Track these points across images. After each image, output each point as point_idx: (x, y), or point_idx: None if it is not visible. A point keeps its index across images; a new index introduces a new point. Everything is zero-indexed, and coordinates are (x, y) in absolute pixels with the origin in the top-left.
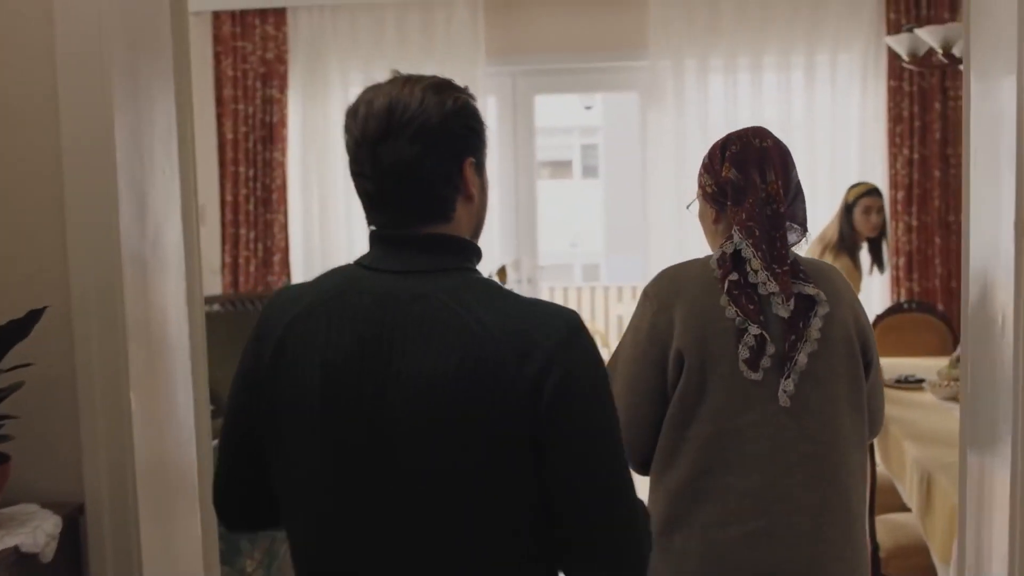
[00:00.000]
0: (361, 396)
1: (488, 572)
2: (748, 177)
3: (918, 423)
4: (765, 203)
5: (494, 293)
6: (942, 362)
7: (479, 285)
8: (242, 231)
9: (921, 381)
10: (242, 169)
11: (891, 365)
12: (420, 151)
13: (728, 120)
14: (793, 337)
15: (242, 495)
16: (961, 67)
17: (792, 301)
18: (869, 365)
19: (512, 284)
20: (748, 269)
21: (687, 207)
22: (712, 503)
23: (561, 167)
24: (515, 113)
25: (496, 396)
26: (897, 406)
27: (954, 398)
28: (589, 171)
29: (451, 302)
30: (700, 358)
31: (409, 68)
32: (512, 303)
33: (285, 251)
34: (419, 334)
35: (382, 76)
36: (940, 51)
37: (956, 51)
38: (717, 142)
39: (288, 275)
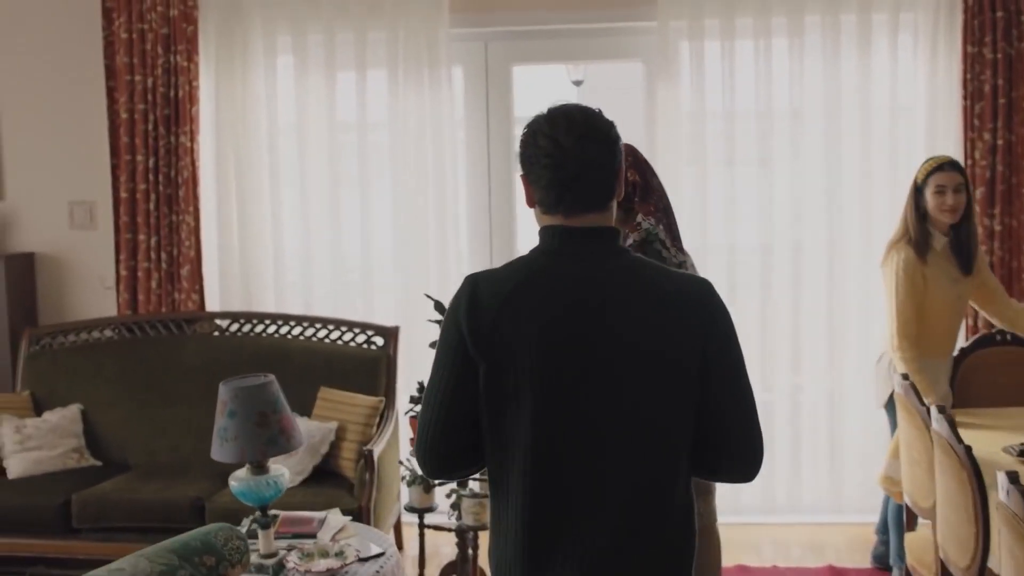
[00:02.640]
0: (574, 352)
1: (670, 491)
2: (647, 180)
3: None
4: (661, 199)
5: (657, 266)
6: None
7: (645, 261)
8: (141, 237)
9: None
10: (140, 158)
11: (992, 420)
12: (606, 150)
13: (760, 99)
14: None
15: (451, 446)
16: None
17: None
18: None
19: None
20: (659, 248)
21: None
22: None
23: None
24: (487, 88)
25: (683, 341)
26: None
27: None
28: None
29: (640, 272)
30: None
31: (352, 32)
32: (673, 273)
33: (196, 262)
34: (622, 299)
35: (316, 40)
36: None
37: None
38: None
39: (200, 291)
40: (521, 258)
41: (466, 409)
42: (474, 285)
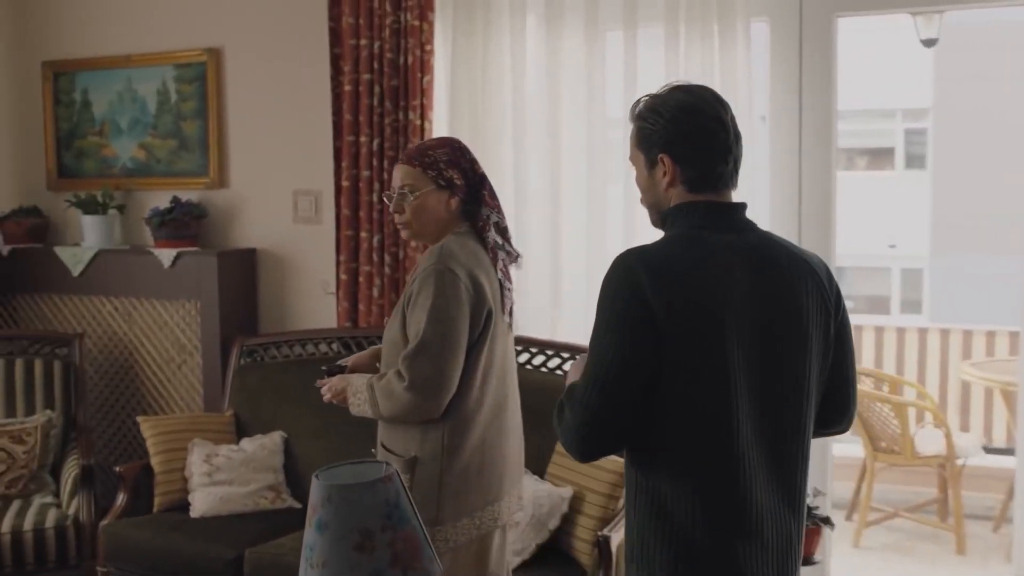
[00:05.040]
0: (758, 322)
1: (807, 446)
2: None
3: None
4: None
5: (782, 238)
6: None
7: (773, 234)
8: (363, 234)
9: None
10: (363, 139)
11: None
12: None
13: None
14: None
15: (623, 424)
16: None
17: None
18: None
19: None
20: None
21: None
22: None
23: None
24: (800, 48)
25: (826, 310)
26: None
27: None
28: (915, 161)
29: (781, 243)
30: None
31: None
32: (798, 247)
33: None
34: (784, 266)
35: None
36: None
37: None
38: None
39: None
40: (677, 234)
41: (643, 384)
42: (643, 259)
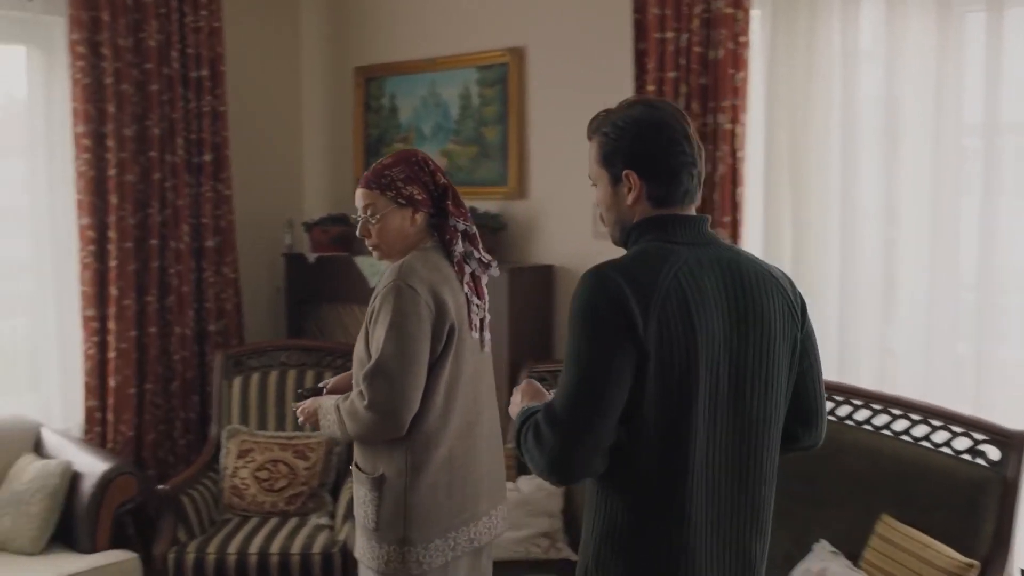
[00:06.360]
0: (726, 335)
1: (775, 463)
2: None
3: None
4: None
5: (749, 253)
6: None
7: (736, 246)
8: None
9: None
10: None
11: None
12: None
13: None
14: None
15: (603, 443)
16: None
17: None
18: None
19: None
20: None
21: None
22: None
23: None
24: None
25: (792, 321)
26: None
27: None
28: None
29: (746, 255)
30: None
31: None
32: (762, 260)
33: None
34: (754, 279)
35: None
36: None
37: None
38: None
39: None
40: (645, 248)
41: (622, 402)
42: (620, 271)
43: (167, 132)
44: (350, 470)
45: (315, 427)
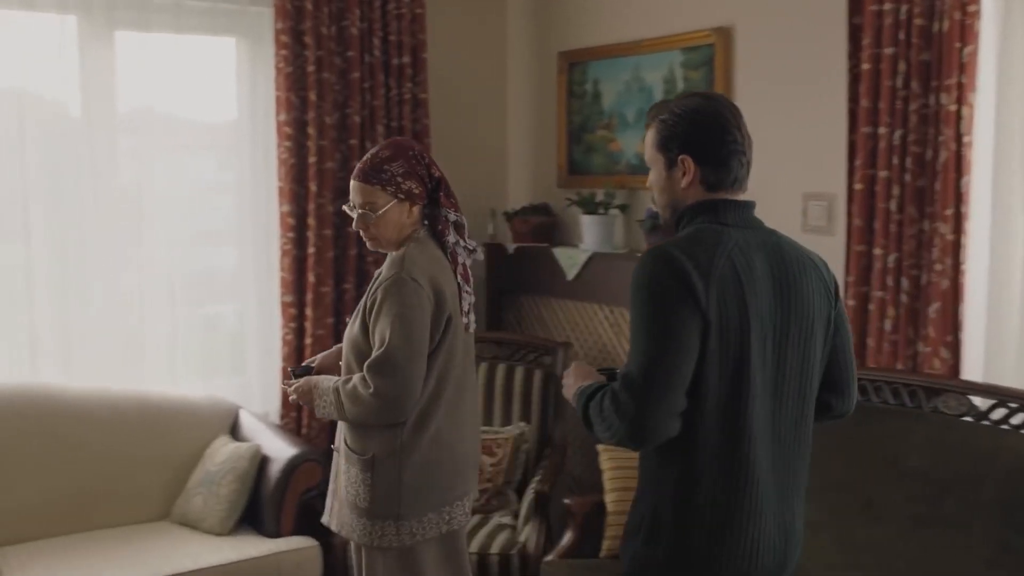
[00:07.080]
0: (772, 312)
1: (810, 432)
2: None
3: None
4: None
5: (788, 236)
6: None
7: (780, 232)
8: (876, 251)
9: None
10: (882, 130)
11: None
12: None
13: None
14: None
15: (675, 410)
16: None
17: None
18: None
19: None
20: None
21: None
22: None
23: None
24: None
25: (827, 301)
26: None
27: None
28: None
29: (790, 242)
30: None
31: None
32: (798, 243)
33: (952, 296)
34: (797, 260)
35: None
36: None
37: None
38: None
39: (955, 345)
40: (699, 229)
41: (691, 367)
42: (682, 250)
43: (368, 120)
44: (332, 448)
45: (308, 405)
